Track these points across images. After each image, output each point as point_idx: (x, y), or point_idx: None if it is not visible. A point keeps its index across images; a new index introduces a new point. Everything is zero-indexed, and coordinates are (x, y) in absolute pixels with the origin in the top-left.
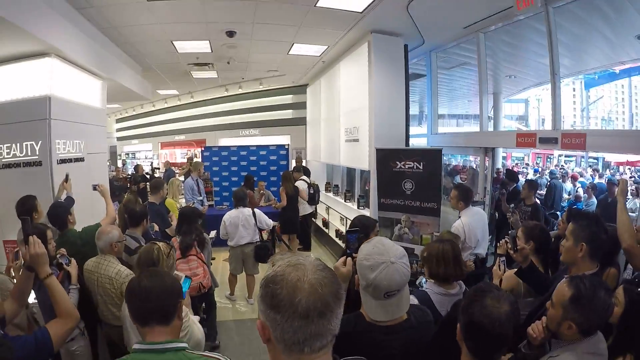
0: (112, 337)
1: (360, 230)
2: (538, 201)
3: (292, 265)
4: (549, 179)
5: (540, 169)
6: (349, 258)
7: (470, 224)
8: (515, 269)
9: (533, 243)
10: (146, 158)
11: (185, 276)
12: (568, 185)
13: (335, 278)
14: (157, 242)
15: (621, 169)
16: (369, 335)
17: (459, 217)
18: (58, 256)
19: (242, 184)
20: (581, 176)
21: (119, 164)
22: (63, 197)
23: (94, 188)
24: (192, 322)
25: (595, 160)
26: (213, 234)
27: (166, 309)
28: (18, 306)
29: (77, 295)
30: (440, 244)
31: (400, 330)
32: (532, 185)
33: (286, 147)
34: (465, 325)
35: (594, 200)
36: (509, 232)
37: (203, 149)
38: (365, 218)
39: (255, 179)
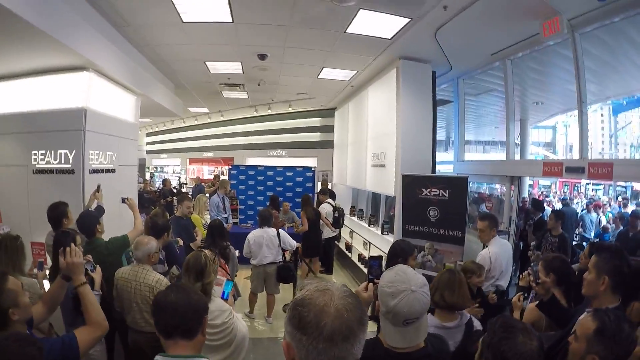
0: (140, 343)
1: (399, 254)
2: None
3: (320, 290)
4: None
5: (568, 198)
6: (371, 284)
7: (498, 254)
8: (537, 302)
9: (553, 275)
10: (174, 172)
11: (227, 279)
12: (593, 214)
13: (360, 304)
14: (203, 250)
15: None
16: None
17: (486, 246)
18: (84, 262)
19: (268, 203)
20: (608, 205)
21: (147, 176)
22: (93, 206)
23: (123, 201)
24: (237, 318)
25: (624, 189)
26: (236, 252)
27: (190, 324)
28: (47, 312)
29: (99, 301)
30: (451, 275)
31: (417, 358)
32: (558, 215)
33: (313, 169)
34: None
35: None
36: (532, 264)
37: (230, 167)
38: (405, 243)
39: (280, 199)
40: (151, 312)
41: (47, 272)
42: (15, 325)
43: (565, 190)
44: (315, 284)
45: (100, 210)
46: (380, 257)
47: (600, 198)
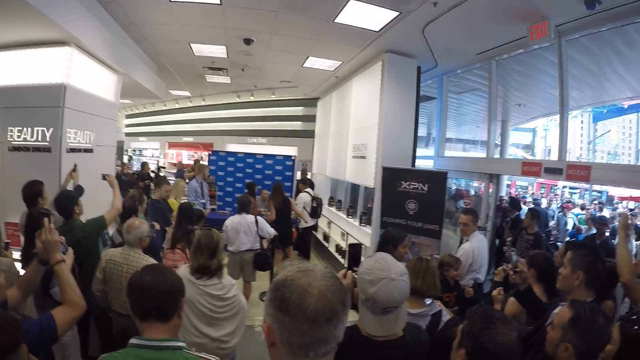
0: (129, 328)
1: (390, 241)
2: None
3: (302, 271)
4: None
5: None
6: (349, 271)
7: (479, 248)
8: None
9: (534, 270)
10: (152, 156)
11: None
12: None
13: (342, 286)
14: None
15: (624, 203)
16: (363, 349)
17: (466, 240)
18: None
19: (245, 190)
20: (583, 209)
21: (125, 159)
22: (69, 186)
23: (103, 177)
24: (239, 293)
25: (599, 194)
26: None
27: (165, 306)
28: (22, 296)
29: None
30: (419, 261)
31: (395, 347)
32: (534, 214)
33: (293, 158)
34: (474, 352)
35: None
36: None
37: (210, 152)
38: (397, 231)
39: (259, 187)
40: (126, 293)
41: (13, 253)
42: None
43: (542, 192)
44: (297, 264)
45: (79, 190)
46: (361, 245)
47: (574, 201)
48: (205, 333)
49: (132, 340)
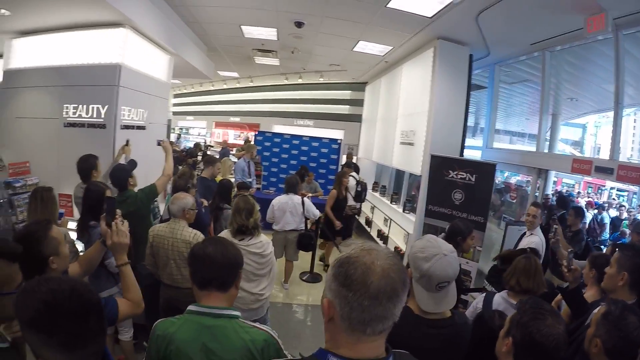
0: (175, 300)
1: (458, 233)
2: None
3: (366, 250)
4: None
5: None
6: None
7: (543, 242)
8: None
9: (595, 272)
10: (199, 135)
11: None
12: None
13: (403, 267)
14: (247, 195)
15: None
16: (416, 328)
17: (530, 234)
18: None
19: (296, 172)
20: (629, 212)
21: (173, 137)
22: (122, 160)
23: (158, 143)
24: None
25: None
26: None
27: (225, 277)
28: (82, 273)
29: None
30: (526, 260)
31: (444, 326)
32: (578, 212)
33: (339, 141)
34: (522, 342)
35: None
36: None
37: (256, 133)
38: (464, 223)
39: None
40: (188, 262)
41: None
42: (52, 275)
43: (589, 192)
44: (360, 243)
45: (132, 164)
46: None
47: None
48: (245, 289)
49: (191, 307)
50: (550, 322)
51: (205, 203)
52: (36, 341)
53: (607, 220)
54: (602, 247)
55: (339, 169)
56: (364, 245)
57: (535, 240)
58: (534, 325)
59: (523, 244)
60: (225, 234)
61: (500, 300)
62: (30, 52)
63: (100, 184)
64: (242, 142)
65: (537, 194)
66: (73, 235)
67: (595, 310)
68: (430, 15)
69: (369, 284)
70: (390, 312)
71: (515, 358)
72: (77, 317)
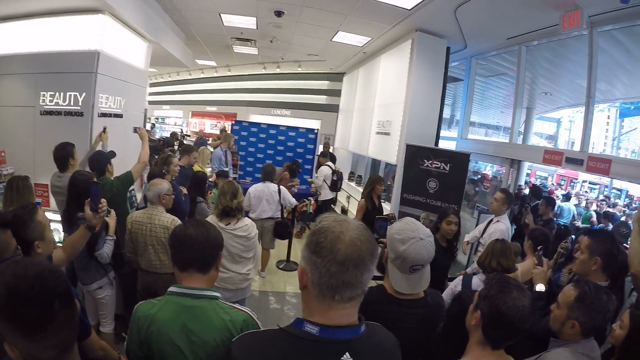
0: (154, 285)
1: (439, 216)
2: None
3: (337, 221)
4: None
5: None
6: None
7: (506, 231)
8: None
9: (531, 242)
10: (175, 124)
11: None
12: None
13: (373, 239)
14: (231, 179)
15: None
16: (388, 306)
17: (497, 221)
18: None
19: (287, 165)
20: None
21: (148, 127)
22: (98, 147)
23: (135, 130)
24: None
25: (619, 192)
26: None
27: (206, 258)
28: (66, 258)
29: (113, 246)
30: (499, 243)
31: (417, 306)
32: (549, 202)
33: (316, 131)
34: (489, 313)
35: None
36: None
37: (233, 122)
38: (447, 207)
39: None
40: (169, 244)
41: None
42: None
43: (561, 184)
44: (334, 216)
45: (112, 154)
46: (387, 217)
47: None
48: (232, 270)
49: (172, 288)
50: (516, 295)
51: (185, 191)
52: (1, 324)
53: (566, 210)
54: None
55: (316, 159)
56: (337, 217)
57: (501, 227)
58: (500, 298)
59: (490, 230)
60: (211, 218)
61: (478, 282)
62: (6, 39)
63: (87, 172)
64: (218, 132)
65: (509, 183)
66: (52, 226)
67: (564, 289)
68: (409, 7)
69: (336, 250)
70: (357, 280)
71: (484, 330)
72: (38, 304)
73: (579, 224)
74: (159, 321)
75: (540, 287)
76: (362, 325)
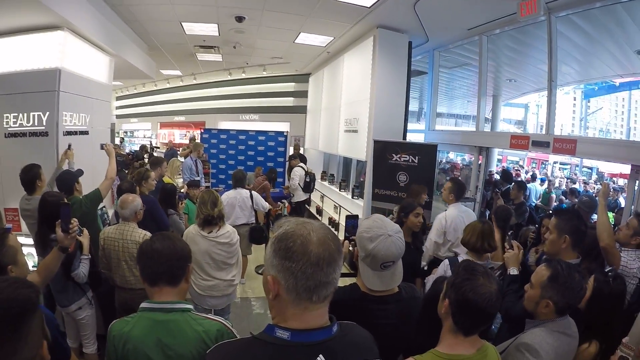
0: (130, 301)
1: (402, 210)
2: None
3: (300, 224)
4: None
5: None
6: (347, 241)
7: (454, 218)
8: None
9: (495, 218)
10: (144, 137)
11: None
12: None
13: (337, 236)
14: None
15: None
16: (362, 304)
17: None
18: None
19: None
20: (573, 183)
21: (117, 141)
22: (65, 166)
23: (102, 147)
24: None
25: (590, 170)
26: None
27: (175, 271)
28: (41, 282)
29: (89, 265)
30: (484, 224)
31: (392, 302)
32: (520, 186)
33: (285, 134)
34: (456, 301)
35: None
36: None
37: (202, 131)
38: (410, 201)
39: (251, 163)
40: (136, 260)
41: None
42: None
43: (533, 167)
44: (294, 220)
45: (79, 172)
46: (357, 216)
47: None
48: (217, 277)
49: (143, 304)
50: (482, 282)
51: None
52: None
53: (533, 191)
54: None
55: (287, 161)
56: (297, 220)
57: (439, 215)
58: (467, 285)
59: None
60: (192, 228)
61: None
62: None
63: (57, 193)
64: (188, 142)
65: (479, 170)
66: (25, 250)
67: (537, 269)
68: (369, 5)
69: (309, 252)
70: (332, 277)
71: (454, 317)
72: None
73: (539, 203)
74: (134, 338)
75: (513, 271)
76: (334, 325)
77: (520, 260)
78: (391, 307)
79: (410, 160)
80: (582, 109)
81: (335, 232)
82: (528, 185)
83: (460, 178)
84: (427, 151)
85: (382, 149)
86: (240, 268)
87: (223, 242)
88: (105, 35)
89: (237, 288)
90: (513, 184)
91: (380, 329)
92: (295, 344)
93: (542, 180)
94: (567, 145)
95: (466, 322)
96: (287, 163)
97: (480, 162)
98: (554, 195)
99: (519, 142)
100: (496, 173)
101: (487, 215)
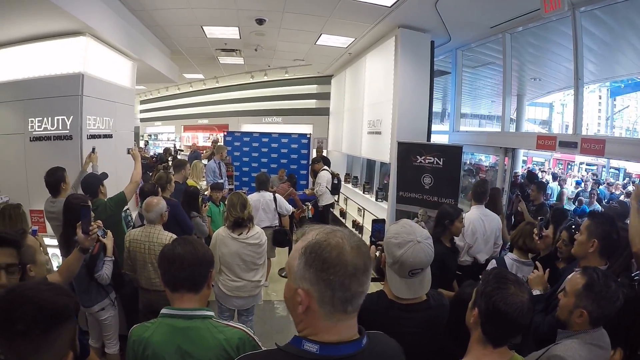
0: (155, 303)
1: (447, 216)
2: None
3: (330, 232)
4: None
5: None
6: (373, 246)
7: (473, 220)
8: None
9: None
10: (168, 140)
11: None
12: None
13: (365, 242)
14: (238, 191)
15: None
16: (389, 312)
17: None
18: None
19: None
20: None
21: (142, 144)
22: (89, 169)
23: (128, 152)
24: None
25: (617, 171)
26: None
27: (197, 277)
28: (62, 282)
29: (112, 267)
30: (526, 224)
31: (419, 310)
32: (540, 186)
33: (308, 136)
34: (486, 311)
35: (598, 206)
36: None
37: (225, 133)
38: (452, 206)
39: (275, 166)
40: (158, 264)
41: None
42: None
43: (559, 168)
44: (318, 228)
45: (104, 175)
46: (383, 220)
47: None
48: (245, 278)
49: (164, 310)
50: (514, 291)
51: None
52: None
53: (555, 190)
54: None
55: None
56: (324, 229)
57: (469, 214)
58: (498, 294)
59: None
60: (222, 230)
61: (511, 261)
62: None
63: (81, 196)
64: (210, 144)
65: (505, 171)
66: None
67: (571, 276)
68: (389, 5)
69: (346, 262)
70: (366, 286)
71: (483, 328)
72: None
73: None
74: (154, 344)
75: (537, 292)
76: (364, 337)
77: (545, 282)
78: (419, 316)
79: (435, 162)
80: (608, 108)
81: (360, 236)
82: (549, 185)
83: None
84: (452, 153)
85: (406, 151)
86: (266, 269)
87: (253, 243)
88: (127, 40)
89: (262, 290)
90: (533, 185)
91: (406, 338)
92: (324, 357)
93: (554, 177)
94: (596, 146)
95: (496, 333)
96: (310, 167)
97: (506, 163)
98: (565, 191)
99: (546, 142)
100: (520, 175)
101: (512, 220)
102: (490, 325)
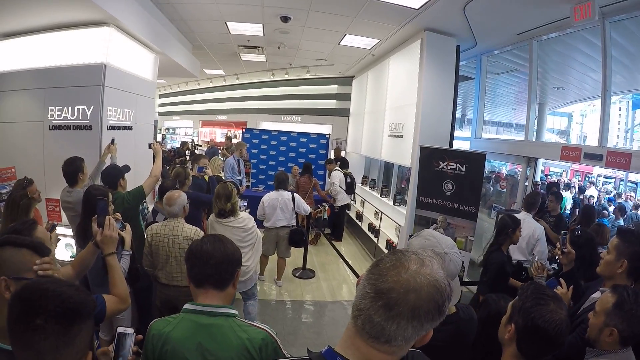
0: (174, 299)
1: (509, 226)
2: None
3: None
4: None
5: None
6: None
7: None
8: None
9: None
10: (186, 135)
11: None
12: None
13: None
14: (227, 181)
15: None
16: None
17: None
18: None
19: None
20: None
21: (159, 138)
22: (107, 160)
23: (149, 146)
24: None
25: (634, 185)
26: None
27: (223, 275)
28: (75, 276)
29: (129, 261)
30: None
31: (448, 322)
32: (558, 197)
33: (327, 136)
34: (524, 328)
35: (621, 222)
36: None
37: (244, 130)
38: (511, 217)
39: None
40: (185, 259)
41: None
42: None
43: (578, 180)
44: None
45: (126, 168)
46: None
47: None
48: None
49: (187, 306)
50: (553, 308)
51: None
52: None
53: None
54: None
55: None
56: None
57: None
58: (537, 311)
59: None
60: (212, 217)
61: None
62: (13, 55)
63: (103, 187)
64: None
65: (527, 181)
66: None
67: (594, 296)
68: (417, 7)
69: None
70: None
71: (518, 344)
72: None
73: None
74: (174, 340)
75: None
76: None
77: (569, 299)
78: (448, 328)
79: (457, 169)
80: (629, 120)
81: (376, 240)
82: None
83: (505, 189)
84: (475, 160)
85: (429, 156)
86: (258, 255)
87: (235, 226)
88: (150, 33)
89: (255, 277)
90: (550, 195)
91: (436, 351)
92: None
93: (567, 187)
94: (622, 159)
95: (532, 350)
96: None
97: (528, 173)
98: (570, 199)
99: (570, 153)
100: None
101: None
102: (527, 342)
